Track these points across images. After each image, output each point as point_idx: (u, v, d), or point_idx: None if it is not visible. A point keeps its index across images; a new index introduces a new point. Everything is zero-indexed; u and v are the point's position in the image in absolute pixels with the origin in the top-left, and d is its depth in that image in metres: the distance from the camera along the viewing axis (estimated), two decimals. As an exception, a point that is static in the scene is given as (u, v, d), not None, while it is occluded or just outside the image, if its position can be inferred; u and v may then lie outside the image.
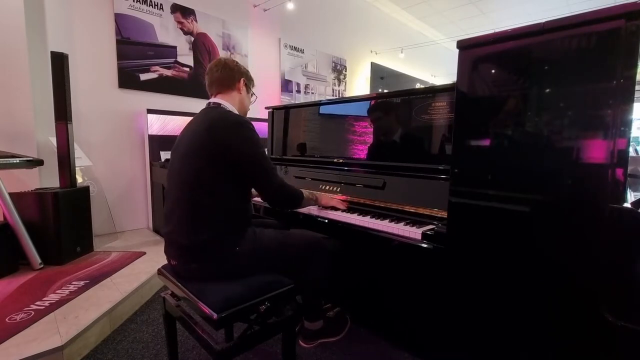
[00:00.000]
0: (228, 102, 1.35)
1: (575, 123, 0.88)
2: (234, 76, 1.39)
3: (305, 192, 1.47)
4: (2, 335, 1.39)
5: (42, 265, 2.13)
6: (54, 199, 2.15)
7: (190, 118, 1.36)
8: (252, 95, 1.51)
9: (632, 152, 2.86)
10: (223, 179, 1.18)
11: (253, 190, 1.39)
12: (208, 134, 1.19)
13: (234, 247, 1.18)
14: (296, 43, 4.69)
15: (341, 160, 1.85)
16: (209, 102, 1.37)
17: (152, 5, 3.19)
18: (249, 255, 1.21)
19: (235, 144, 1.18)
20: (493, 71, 1.02)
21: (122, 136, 3.11)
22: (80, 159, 2.62)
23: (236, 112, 1.36)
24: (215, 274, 1.17)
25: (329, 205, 1.58)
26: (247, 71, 1.46)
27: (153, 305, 1.95)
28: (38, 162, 2.22)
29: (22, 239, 2.08)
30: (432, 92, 1.49)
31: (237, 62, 1.43)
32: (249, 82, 1.46)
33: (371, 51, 5.88)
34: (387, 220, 1.38)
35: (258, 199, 1.72)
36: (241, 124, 1.22)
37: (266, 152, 1.28)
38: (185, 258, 1.18)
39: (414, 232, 1.24)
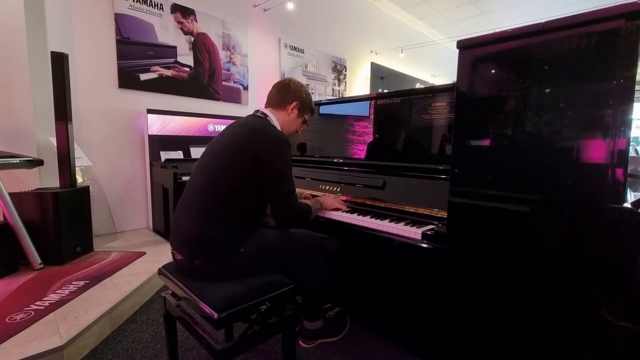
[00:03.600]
0: (274, 117, 1.40)
1: (575, 123, 0.88)
2: (287, 98, 1.43)
3: (311, 202, 1.50)
4: (2, 335, 1.39)
5: (42, 265, 2.12)
6: (54, 199, 2.15)
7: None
8: (303, 122, 1.52)
9: (632, 152, 2.86)
10: (246, 183, 1.21)
11: None
12: (244, 139, 1.24)
13: (238, 248, 1.19)
14: (296, 43, 4.69)
15: (341, 160, 1.85)
16: (258, 110, 1.42)
17: (152, 5, 3.18)
18: (252, 256, 1.21)
19: (267, 157, 1.21)
20: (493, 71, 1.02)
21: (122, 136, 3.11)
22: (80, 159, 2.62)
23: (279, 127, 1.39)
24: (217, 273, 1.17)
25: (333, 207, 1.58)
26: (307, 98, 1.47)
27: (153, 305, 1.95)
28: (38, 162, 2.22)
29: (22, 239, 2.08)
30: (432, 92, 1.49)
31: (301, 87, 1.47)
32: (304, 109, 1.47)
33: (371, 51, 5.88)
34: (387, 220, 1.38)
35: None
36: (278, 139, 1.26)
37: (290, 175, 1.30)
38: (191, 251, 1.18)
39: (414, 232, 1.24)
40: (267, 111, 1.41)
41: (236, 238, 1.19)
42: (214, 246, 1.16)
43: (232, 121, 1.43)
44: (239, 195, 1.20)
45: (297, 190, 1.82)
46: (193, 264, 1.18)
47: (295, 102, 1.44)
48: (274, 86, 1.47)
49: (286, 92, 1.43)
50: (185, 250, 1.20)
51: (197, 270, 1.18)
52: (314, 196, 1.69)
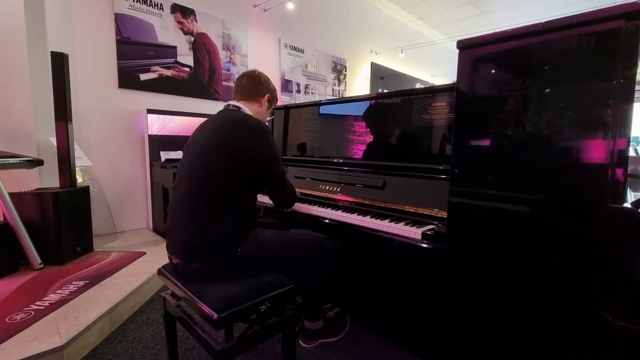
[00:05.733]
0: (247, 109, 1.40)
1: (575, 123, 0.88)
2: (260, 90, 1.47)
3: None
4: (2, 335, 1.39)
5: (42, 265, 2.13)
6: (54, 199, 2.15)
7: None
8: (271, 112, 1.60)
9: (632, 152, 2.86)
10: (235, 180, 1.19)
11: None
12: (226, 134, 1.22)
13: (236, 249, 1.18)
14: (296, 43, 4.69)
15: (341, 160, 1.85)
16: (228, 104, 1.41)
17: (152, 5, 3.19)
18: (250, 256, 1.21)
19: (252, 146, 1.22)
20: (493, 71, 1.02)
21: (122, 136, 3.11)
22: (80, 159, 2.62)
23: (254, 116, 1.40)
24: (215, 274, 1.16)
25: None
26: (275, 91, 1.54)
27: (153, 305, 1.95)
28: (38, 162, 2.22)
29: (22, 239, 2.08)
30: (432, 92, 1.49)
31: (268, 79, 1.52)
32: (273, 100, 1.53)
33: (371, 51, 5.88)
34: (387, 220, 1.38)
35: (260, 200, 1.73)
36: (259, 127, 1.27)
37: (280, 157, 1.33)
38: (187, 256, 1.18)
39: (414, 232, 1.24)
40: (240, 104, 1.41)
41: (231, 239, 1.18)
42: (209, 250, 1.15)
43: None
44: (228, 196, 1.18)
45: None
46: (190, 267, 1.18)
47: (267, 95, 1.48)
48: (243, 77, 1.46)
49: (259, 84, 1.46)
50: (180, 255, 1.20)
51: (195, 273, 1.17)
52: (312, 196, 1.69)
